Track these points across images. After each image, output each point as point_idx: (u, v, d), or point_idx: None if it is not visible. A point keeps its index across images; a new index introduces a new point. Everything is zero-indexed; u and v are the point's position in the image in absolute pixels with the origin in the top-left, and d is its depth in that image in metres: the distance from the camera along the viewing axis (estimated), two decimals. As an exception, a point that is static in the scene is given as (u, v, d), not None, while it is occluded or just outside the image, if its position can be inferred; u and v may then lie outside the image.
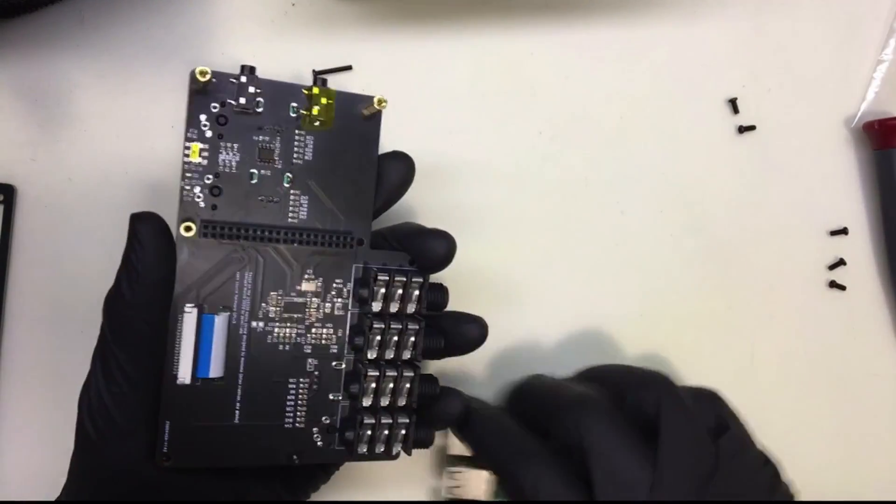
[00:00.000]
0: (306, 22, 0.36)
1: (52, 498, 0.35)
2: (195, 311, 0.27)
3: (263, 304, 0.28)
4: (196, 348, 0.27)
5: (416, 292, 0.29)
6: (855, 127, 0.37)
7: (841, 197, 0.37)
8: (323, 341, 0.29)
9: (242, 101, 0.28)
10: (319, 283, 0.29)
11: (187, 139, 0.27)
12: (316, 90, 0.29)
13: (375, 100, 0.29)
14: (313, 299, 0.29)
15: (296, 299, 0.28)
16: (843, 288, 0.37)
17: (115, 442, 0.26)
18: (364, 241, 0.29)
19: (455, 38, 0.37)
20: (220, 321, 0.27)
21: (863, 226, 0.37)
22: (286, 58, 0.36)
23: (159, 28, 0.36)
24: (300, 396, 0.28)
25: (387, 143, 0.36)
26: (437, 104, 0.37)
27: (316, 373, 0.28)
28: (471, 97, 0.37)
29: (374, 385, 0.28)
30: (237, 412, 0.27)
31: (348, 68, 0.36)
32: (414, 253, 0.29)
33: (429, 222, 0.36)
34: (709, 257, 0.37)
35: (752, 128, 0.37)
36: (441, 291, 0.30)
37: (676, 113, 0.37)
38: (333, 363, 0.29)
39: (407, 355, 0.29)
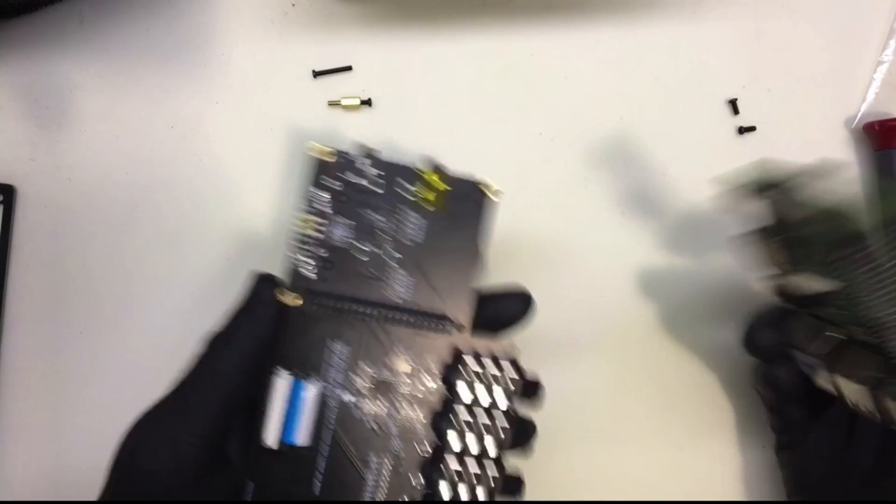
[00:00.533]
0: (306, 22, 0.36)
1: (53, 498, 0.35)
2: (290, 377, 0.27)
3: (356, 378, 0.28)
4: (285, 414, 0.27)
5: (509, 387, 0.29)
6: (855, 128, 0.37)
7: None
8: (408, 423, 0.28)
9: (364, 182, 0.29)
10: (413, 364, 0.28)
11: (304, 210, 0.28)
12: (435, 177, 0.29)
13: (492, 190, 0.29)
14: (405, 379, 0.28)
15: (388, 377, 0.28)
16: (842, 288, 0.37)
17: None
18: (464, 326, 0.29)
19: (455, 38, 0.37)
20: (312, 390, 0.27)
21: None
22: (286, 58, 0.36)
23: (159, 28, 0.36)
24: (382, 476, 0.28)
25: (387, 143, 0.36)
26: (437, 104, 0.37)
27: (401, 454, 0.28)
28: (471, 97, 0.37)
29: (454, 479, 0.28)
30: (319, 484, 0.27)
31: (348, 68, 0.36)
32: (491, 314, 0.29)
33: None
34: (709, 258, 0.37)
35: (752, 128, 0.37)
36: (538, 387, 0.29)
37: (676, 113, 0.37)
38: (417, 446, 0.28)
39: (492, 450, 0.28)
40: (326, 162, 0.28)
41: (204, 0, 0.36)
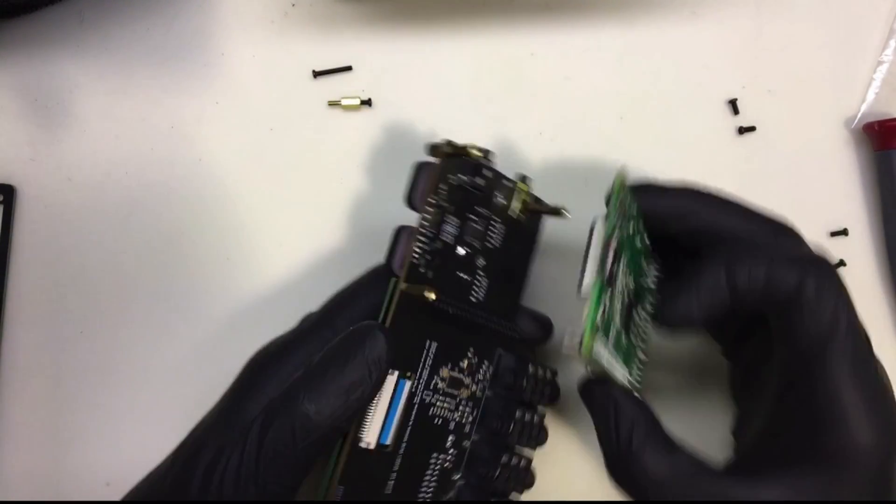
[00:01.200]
0: (306, 22, 0.36)
1: (53, 498, 0.35)
2: (395, 374, 0.26)
3: (436, 377, 0.27)
4: (385, 417, 0.26)
5: (544, 395, 0.30)
6: (855, 128, 0.37)
7: (841, 198, 0.37)
8: (462, 420, 0.28)
9: (480, 181, 0.28)
10: (474, 363, 0.29)
11: (430, 205, 0.27)
12: (524, 187, 0.30)
13: (561, 209, 0.30)
14: (466, 378, 0.28)
15: (458, 376, 0.28)
16: (843, 289, 0.37)
17: None
18: (516, 335, 0.30)
19: (455, 39, 0.37)
20: (407, 388, 0.26)
21: (863, 227, 0.37)
22: (286, 58, 0.36)
23: (159, 28, 0.36)
24: (434, 473, 0.27)
25: (387, 143, 0.36)
26: (437, 104, 0.37)
27: (452, 450, 0.28)
28: (471, 97, 0.37)
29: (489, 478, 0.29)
30: (392, 483, 0.26)
31: (348, 68, 0.36)
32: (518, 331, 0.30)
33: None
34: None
35: (752, 129, 0.37)
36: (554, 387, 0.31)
37: (676, 113, 0.37)
38: (464, 442, 0.28)
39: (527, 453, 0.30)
40: (459, 158, 0.28)
41: (204, 0, 0.36)
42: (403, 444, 0.26)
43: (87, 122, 0.36)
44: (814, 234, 0.37)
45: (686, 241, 0.29)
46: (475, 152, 0.27)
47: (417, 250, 0.26)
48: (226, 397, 0.28)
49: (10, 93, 0.36)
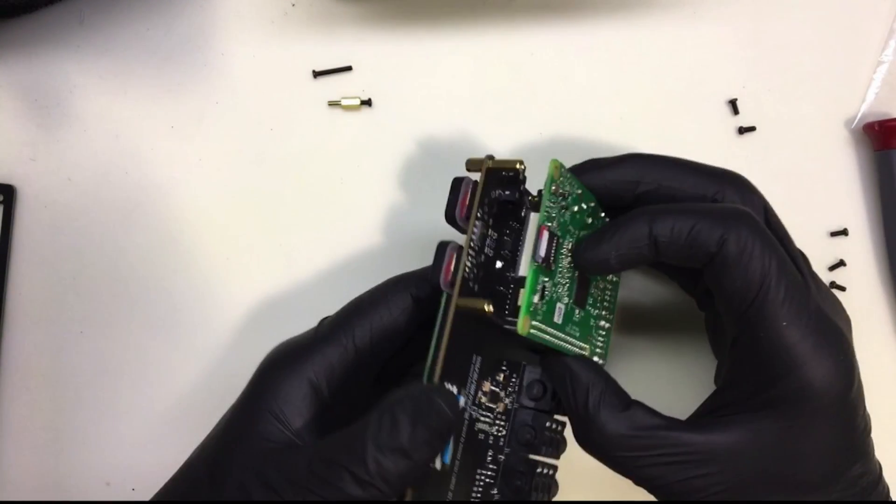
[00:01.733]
0: (306, 22, 0.36)
1: (53, 498, 0.35)
2: (455, 390, 0.25)
3: (479, 391, 0.27)
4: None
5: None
6: (855, 128, 0.37)
7: (841, 198, 0.37)
8: (497, 433, 0.28)
9: (516, 194, 0.28)
10: (507, 375, 0.29)
11: (480, 218, 0.26)
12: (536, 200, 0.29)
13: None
14: (501, 392, 0.29)
15: (496, 390, 0.28)
16: (843, 289, 0.37)
17: None
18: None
19: (455, 38, 0.37)
20: (461, 403, 0.26)
21: (863, 227, 0.37)
22: (286, 58, 0.36)
23: (159, 29, 0.36)
24: (478, 488, 0.27)
25: (387, 143, 0.36)
26: (437, 104, 0.37)
27: (491, 465, 0.28)
28: (471, 97, 0.37)
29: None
30: (449, 496, 0.26)
31: (348, 68, 0.36)
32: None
33: (429, 221, 0.36)
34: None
35: (752, 128, 0.37)
36: None
37: (676, 113, 0.37)
38: (499, 456, 0.28)
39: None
40: (499, 172, 0.27)
41: (204, 0, 0.36)
42: (457, 462, 0.26)
43: (87, 122, 0.36)
44: (814, 234, 0.37)
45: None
46: (519, 166, 0.27)
47: (468, 264, 0.26)
48: (241, 400, 0.28)
49: (10, 93, 0.36)
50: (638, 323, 0.36)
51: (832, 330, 0.26)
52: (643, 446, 0.26)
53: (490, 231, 0.27)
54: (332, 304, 0.35)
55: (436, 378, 0.24)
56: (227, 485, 0.25)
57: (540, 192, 0.28)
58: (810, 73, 0.37)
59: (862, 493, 0.27)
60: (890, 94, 0.37)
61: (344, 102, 0.36)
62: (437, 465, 0.24)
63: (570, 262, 0.28)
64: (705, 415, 0.28)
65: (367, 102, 0.36)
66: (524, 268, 0.26)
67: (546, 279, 0.27)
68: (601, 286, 0.31)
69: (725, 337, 0.29)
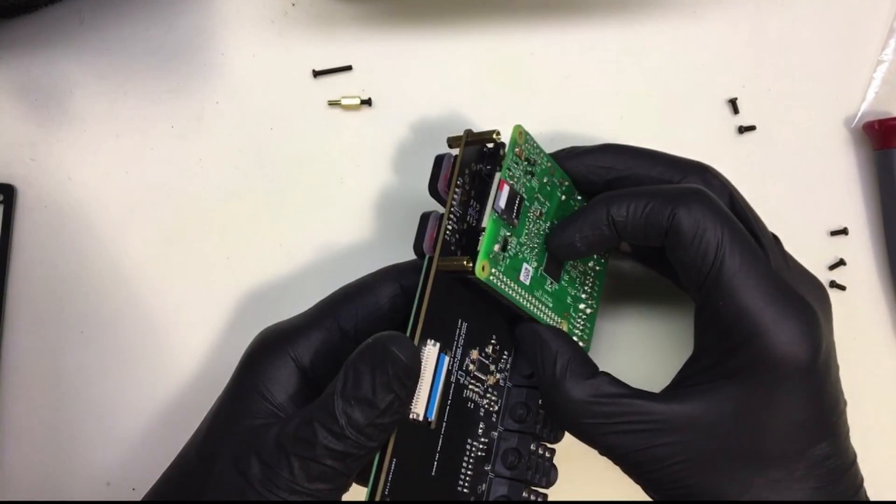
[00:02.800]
0: (306, 22, 0.36)
1: (53, 498, 0.35)
2: (437, 347, 0.26)
3: (467, 358, 0.28)
4: (431, 386, 0.26)
5: None
6: (855, 127, 0.37)
7: (841, 197, 0.37)
8: (490, 409, 0.29)
9: (494, 168, 0.29)
10: (497, 349, 0.30)
11: (457, 187, 0.28)
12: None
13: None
14: (491, 365, 0.29)
15: (485, 361, 0.29)
16: (843, 288, 0.37)
17: None
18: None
19: (455, 38, 0.37)
20: (445, 363, 0.27)
21: (863, 226, 0.37)
22: (286, 58, 0.36)
23: (159, 28, 0.36)
24: (470, 461, 0.28)
25: (387, 143, 0.36)
26: (436, 104, 0.37)
27: (483, 439, 0.28)
28: (470, 97, 0.37)
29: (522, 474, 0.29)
30: (435, 464, 0.26)
31: (348, 68, 0.36)
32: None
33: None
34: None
35: (752, 128, 0.37)
36: None
37: (676, 113, 0.37)
38: (492, 432, 0.29)
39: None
40: (477, 145, 0.29)
41: (204, 0, 0.36)
42: (444, 425, 0.26)
43: (87, 122, 0.36)
44: (814, 234, 0.37)
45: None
46: (496, 136, 0.28)
47: (449, 228, 0.27)
48: (230, 383, 0.28)
49: (10, 93, 0.36)
50: (625, 311, 0.36)
51: (795, 300, 0.27)
52: (605, 413, 0.27)
53: (472, 201, 0.28)
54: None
55: (417, 333, 0.25)
56: (217, 463, 0.25)
57: None
58: (810, 72, 0.37)
59: (828, 474, 0.26)
60: (890, 94, 0.37)
61: (344, 102, 0.36)
62: (418, 415, 0.25)
63: (538, 229, 0.30)
64: (671, 388, 0.29)
65: (367, 102, 0.36)
66: (486, 220, 0.27)
67: (508, 234, 0.28)
68: (581, 269, 0.32)
69: None
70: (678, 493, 0.27)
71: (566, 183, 0.31)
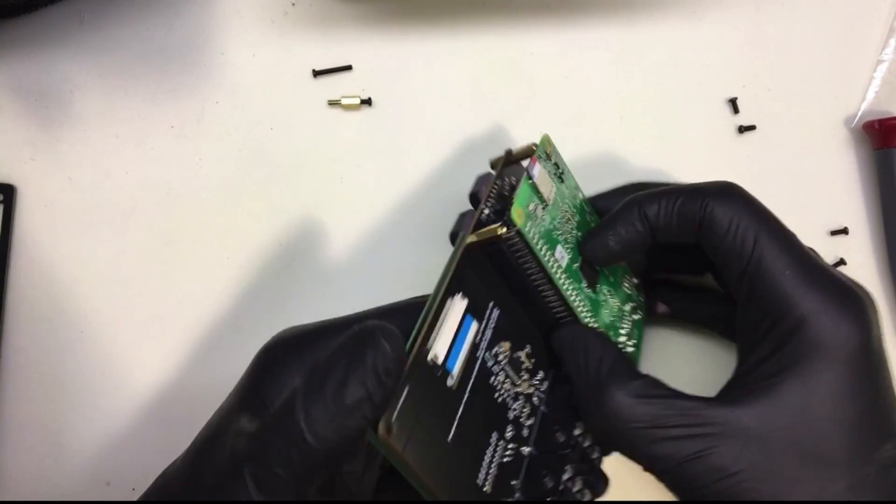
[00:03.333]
0: (306, 22, 0.36)
1: (53, 498, 0.35)
2: (465, 303, 0.26)
3: (497, 346, 0.27)
4: (453, 339, 0.25)
5: None
6: (855, 127, 0.37)
7: (841, 197, 0.37)
8: (522, 419, 0.28)
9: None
10: (533, 361, 0.29)
11: (494, 186, 0.29)
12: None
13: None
14: (524, 374, 0.28)
15: (517, 359, 0.28)
16: (843, 288, 0.37)
17: None
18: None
19: (455, 38, 0.37)
20: (472, 328, 0.26)
21: (863, 226, 0.37)
22: (286, 58, 0.36)
23: (159, 28, 0.36)
24: (494, 458, 0.26)
25: (387, 143, 0.36)
26: (437, 104, 0.37)
27: (511, 445, 0.27)
28: (470, 96, 0.37)
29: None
30: (452, 431, 0.24)
31: (348, 68, 0.36)
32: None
33: (429, 221, 0.36)
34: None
35: (752, 128, 0.37)
36: None
37: (676, 113, 0.37)
38: (523, 447, 0.27)
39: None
40: (516, 164, 0.31)
41: (204, 0, 0.36)
42: (466, 394, 0.25)
43: (87, 122, 0.36)
44: (814, 234, 0.37)
45: None
46: (534, 147, 0.30)
47: (485, 212, 0.28)
48: (239, 388, 0.27)
49: (10, 93, 0.36)
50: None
51: (840, 284, 0.26)
52: (655, 417, 0.25)
53: (508, 205, 0.29)
54: (332, 304, 0.35)
55: (439, 295, 0.25)
56: (205, 477, 0.24)
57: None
58: (810, 72, 0.37)
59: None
60: (890, 93, 0.37)
61: (344, 102, 0.36)
62: (437, 357, 0.24)
63: (571, 229, 0.30)
64: (724, 392, 0.27)
65: (367, 102, 0.36)
66: (520, 186, 0.28)
67: (542, 206, 0.29)
68: (613, 279, 0.32)
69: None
70: None
71: (594, 216, 0.32)
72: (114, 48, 0.36)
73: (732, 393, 0.26)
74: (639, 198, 0.29)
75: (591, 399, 0.26)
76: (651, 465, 0.26)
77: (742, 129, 0.37)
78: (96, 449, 0.35)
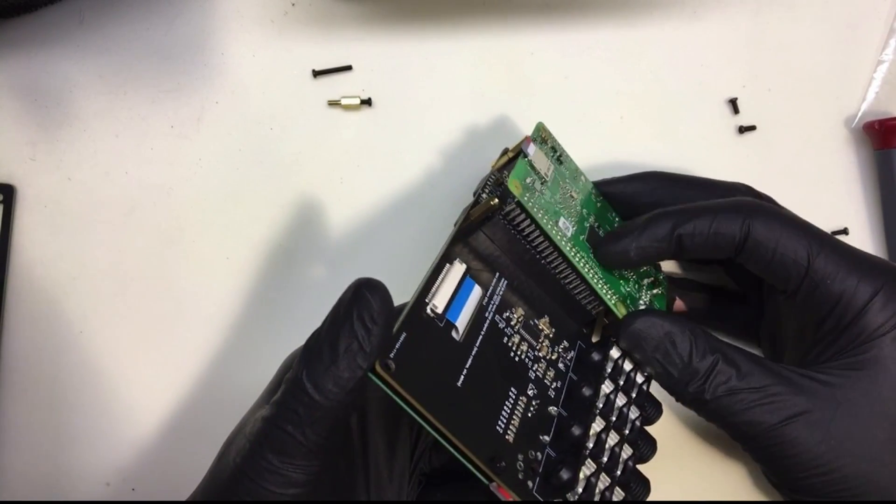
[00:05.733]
0: (306, 22, 0.36)
1: (53, 498, 0.35)
2: (464, 267, 0.28)
3: (509, 312, 0.29)
4: (453, 295, 0.27)
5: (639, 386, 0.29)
6: (855, 127, 0.37)
7: (841, 197, 0.37)
8: (545, 380, 0.29)
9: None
10: (553, 332, 0.30)
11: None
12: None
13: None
14: (545, 341, 0.30)
15: (533, 325, 0.29)
16: (843, 288, 0.37)
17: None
18: (586, 329, 0.32)
19: (455, 38, 0.37)
20: (476, 291, 0.28)
21: (863, 226, 0.37)
22: (286, 58, 0.36)
23: (159, 28, 0.36)
24: (516, 411, 0.27)
25: (387, 143, 0.36)
26: (436, 104, 0.37)
27: (535, 401, 0.28)
28: (470, 97, 0.37)
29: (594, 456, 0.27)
30: (462, 377, 0.25)
31: (348, 68, 0.36)
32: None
33: (429, 220, 0.36)
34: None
35: (752, 128, 0.37)
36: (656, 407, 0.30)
37: (676, 113, 0.37)
38: (549, 407, 0.28)
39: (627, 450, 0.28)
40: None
41: (204, 0, 0.36)
42: (475, 348, 0.26)
43: (87, 122, 0.36)
44: (814, 234, 0.37)
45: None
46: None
47: (484, 194, 0.29)
48: (265, 392, 0.27)
49: (10, 93, 0.36)
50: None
51: (886, 267, 0.28)
52: (752, 385, 0.26)
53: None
54: (332, 303, 0.35)
55: (439, 255, 0.27)
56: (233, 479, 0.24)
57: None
58: (810, 72, 0.37)
59: None
60: (890, 94, 0.37)
61: (344, 102, 0.36)
62: (436, 308, 0.25)
63: (574, 205, 0.31)
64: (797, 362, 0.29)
65: (367, 102, 0.36)
66: (516, 165, 0.29)
67: (540, 182, 0.29)
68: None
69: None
70: (818, 482, 0.26)
71: (600, 198, 0.33)
72: (114, 48, 0.36)
73: (810, 369, 0.28)
74: (669, 214, 0.29)
75: (689, 382, 0.27)
76: (739, 432, 0.27)
77: (742, 129, 0.37)
78: (95, 449, 0.35)
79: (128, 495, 0.35)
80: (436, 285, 0.26)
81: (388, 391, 0.23)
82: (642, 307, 0.31)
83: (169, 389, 0.35)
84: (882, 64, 0.37)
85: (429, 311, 0.25)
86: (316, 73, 0.36)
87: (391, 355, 0.23)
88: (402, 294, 0.33)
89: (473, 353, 0.26)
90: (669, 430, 0.35)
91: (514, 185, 0.27)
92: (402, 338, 0.23)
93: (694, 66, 0.37)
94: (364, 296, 0.23)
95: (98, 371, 0.35)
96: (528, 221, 0.28)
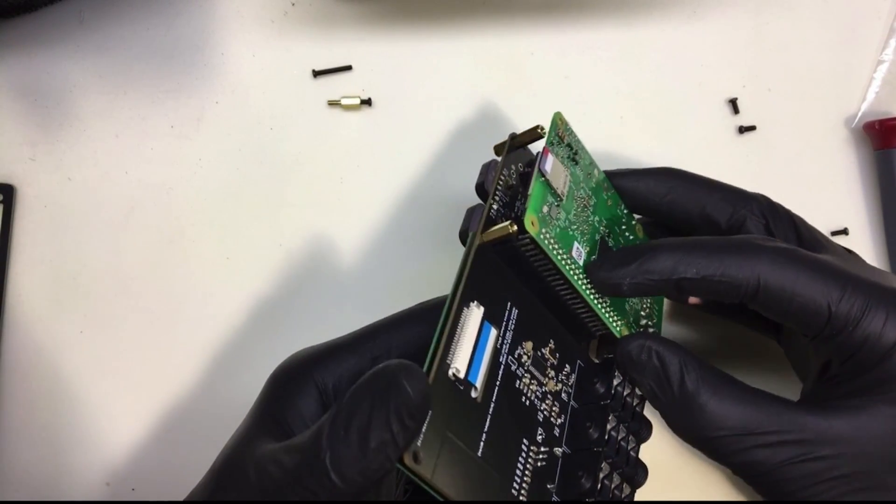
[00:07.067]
0: (306, 22, 0.36)
1: (53, 498, 0.35)
2: (482, 310, 0.25)
3: (519, 349, 0.26)
4: (473, 350, 0.24)
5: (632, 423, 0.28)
6: (855, 127, 0.37)
7: (841, 197, 0.37)
8: (552, 418, 0.27)
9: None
10: (557, 357, 0.28)
11: (500, 181, 0.28)
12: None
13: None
14: (550, 372, 0.28)
15: (540, 357, 0.27)
16: (843, 288, 0.37)
17: None
18: (585, 345, 0.30)
19: (455, 38, 0.37)
20: (492, 336, 0.25)
21: (863, 226, 0.37)
22: (286, 58, 0.36)
23: (159, 28, 0.36)
24: (527, 467, 0.25)
25: (387, 143, 0.36)
26: (436, 104, 0.37)
27: (543, 448, 0.26)
28: (470, 97, 0.37)
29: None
30: (482, 444, 0.24)
31: (348, 68, 0.36)
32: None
33: (429, 221, 0.36)
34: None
35: (752, 128, 0.37)
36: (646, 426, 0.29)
37: (676, 113, 0.37)
38: (555, 448, 0.26)
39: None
40: (520, 149, 0.30)
41: (204, 0, 0.36)
42: (492, 405, 0.24)
43: (86, 122, 0.36)
44: (814, 234, 0.37)
45: (666, 216, 0.31)
46: (539, 131, 0.28)
47: (494, 208, 0.27)
48: (254, 412, 0.26)
49: (10, 93, 0.36)
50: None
51: None
52: (748, 423, 0.25)
53: (519, 196, 0.28)
54: (332, 305, 0.35)
55: (454, 307, 0.24)
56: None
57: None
58: (810, 72, 0.37)
59: None
60: (890, 94, 0.37)
61: (344, 102, 0.36)
62: (458, 371, 0.23)
63: (587, 218, 0.29)
64: (810, 402, 0.27)
65: (367, 102, 0.36)
66: (532, 185, 0.27)
67: (556, 203, 0.27)
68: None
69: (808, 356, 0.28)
70: None
71: (611, 191, 0.31)
72: (114, 48, 0.36)
73: (819, 402, 0.26)
74: (672, 250, 0.26)
75: (682, 413, 0.26)
76: (743, 470, 0.26)
77: (742, 129, 0.37)
78: (95, 449, 0.35)
79: (128, 495, 0.35)
80: (455, 342, 0.24)
81: (415, 478, 0.22)
82: (643, 315, 0.30)
83: (169, 389, 0.35)
84: (882, 64, 0.37)
85: (451, 374, 0.23)
86: (316, 73, 0.36)
87: (419, 443, 0.21)
88: (401, 291, 0.33)
89: (490, 410, 0.24)
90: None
91: (530, 222, 0.25)
92: (427, 419, 0.22)
93: (694, 66, 0.37)
94: (402, 387, 0.21)
95: (98, 371, 0.35)
96: (540, 253, 0.26)
